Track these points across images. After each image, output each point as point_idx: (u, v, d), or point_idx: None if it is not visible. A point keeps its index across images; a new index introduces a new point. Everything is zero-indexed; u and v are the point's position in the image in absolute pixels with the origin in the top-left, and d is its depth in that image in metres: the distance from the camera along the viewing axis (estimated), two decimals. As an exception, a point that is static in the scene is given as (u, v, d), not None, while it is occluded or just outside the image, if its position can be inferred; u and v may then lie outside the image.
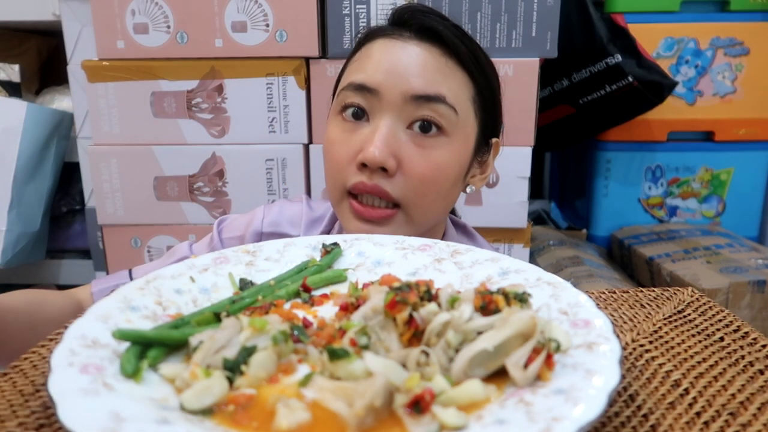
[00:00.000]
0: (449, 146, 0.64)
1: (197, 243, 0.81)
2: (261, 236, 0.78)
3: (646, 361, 0.40)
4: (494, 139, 0.72)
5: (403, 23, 0.67)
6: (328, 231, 0.79)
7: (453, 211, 0.88)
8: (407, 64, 0.63)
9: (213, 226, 0.82)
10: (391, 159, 0.62)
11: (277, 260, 0.52)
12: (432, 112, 0.62)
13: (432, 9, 0.69)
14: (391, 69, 0.63)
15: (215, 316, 0.42)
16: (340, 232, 0.76)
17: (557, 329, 0.36)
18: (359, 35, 0.71)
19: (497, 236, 1.13)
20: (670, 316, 0.47)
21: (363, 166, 0.62)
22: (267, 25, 1.06)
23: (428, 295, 0.37)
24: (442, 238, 0.76)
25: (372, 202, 0.64)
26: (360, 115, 0.65)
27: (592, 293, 0.52)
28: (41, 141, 1.26)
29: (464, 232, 0.82)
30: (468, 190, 0.72)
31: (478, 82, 0.67)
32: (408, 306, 0.36)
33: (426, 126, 0.63)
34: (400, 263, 0.51)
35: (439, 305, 0.37)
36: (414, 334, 0.36)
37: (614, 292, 0.53)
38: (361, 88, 0.64)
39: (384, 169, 0.62)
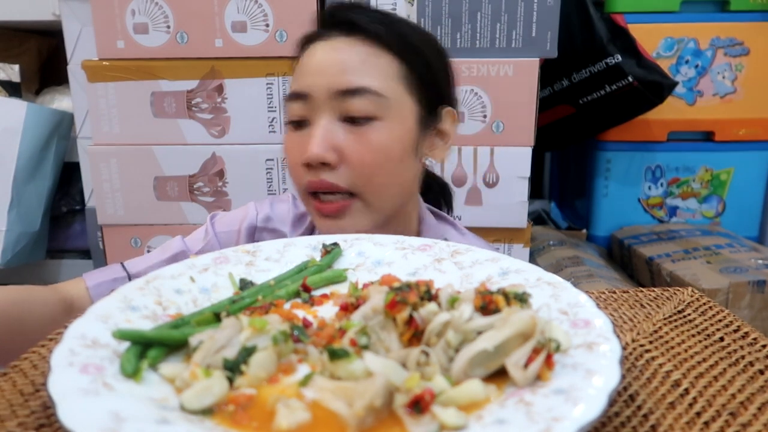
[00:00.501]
0: (384, 128, 0.67)
1: (190, 237, 0.81)
2: (255, 231, 0.80)
3: (646, 361, 0.40)
4: (446, 108, 0.73)
5: (329, 24, 0.71)
6: (311, 228, 0.80)
7: (440, 208, 0.88)
8: (330, 63, 0.67)
9: (206, 219, 0.82)
10: (329, 153, 0.65)
11: (277, 260, 0.52)
12: (358, 104, 0.66)
13: (356, 4, 0.74)
14: (316, 71, 0.67)
15: (215, 316, 0.42)
16: None
17: (557, 329, 0.36)
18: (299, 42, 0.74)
19: (497, 236, 1.13)
20: (670, 316, 0.47)
21: (309, 166, 0.66)
22: (267, 25, 1.06)
23: (428, 295, 0.37)
24: (420, 226, 0.77)
25: (330, 198, 0.67)
26: (302, 123, 0.69)
27: (592, 293, 0.52)
28: (41, 141, 1.26)
29: (445, 221, 0.83)
30: (428, 162, 0.74)
31: (407, 60, 0.69)
32: (408, 306, 0.36)
33: (355, 118, 0.66)
34: (400, 263, 0.51)
35: (439, 305, 0.37)
36: (414, 334, 0.36)
37: (614, 292, 0.53)
38: (295, 97, 0.68)
39: (327, 164, 0.65)
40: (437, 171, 1.10)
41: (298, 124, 0.69)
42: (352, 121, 0.66)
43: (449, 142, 0.75)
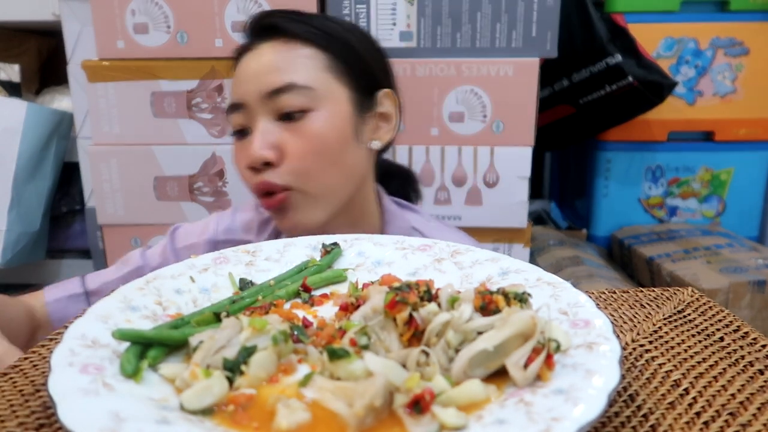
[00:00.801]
0: (319, 118, 0.69)
1: (151, 250, 0.82)
2: (216, 244, 0.80)
3: (646, 361, 0.40)
4: (382, 91, 0.75)
5: (253, 34, 0.73)
6: (276, 232, 0.81)
7: (410, 198, 0.89)
8: (255, 68, 0.69)
9: (167, 232, 0.84)
10: (269, 151, 0.67)
11: (277, 260, 0.52)
12: (288, 100, 0.68)
13: (276, 10, 0.76)
14: (245, 80, 0.70)
15: (215, 316, 0.42)
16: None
17: (557, 329, 0.36)
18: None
19: (497, 236, 1.13)
20: (670, 316, 0.47)
21: (254, 168, 0.68)
22: (267, 25, 1.06)
23: (428, 295, 0.38)
24: (384, 216, 0.78)
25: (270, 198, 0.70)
26: (244, 132, 0.71)
27: (592, 293, 0.52)
28: (41, 141, 1.26)
29: (409, 209, 0.83)
30: (374, 145, 0.75)
31: (331, 50, 0.71)
32: (408, 306, 0.36)
33: (289, 114, 0.68)
34: (400, 263, 0.51)
35: (439, 305, 0.37)
36: (414, 334, 0.36)
37: (614, 292, 0.53)
38: (233, 109, 0.71)
39: (269, 163, 0.68)
40: (436, 167, 1.10)
41: (241, 134, 0.71)
42: (287, 117, 0.68)
43: (393, 123, 0.76)
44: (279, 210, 0.70)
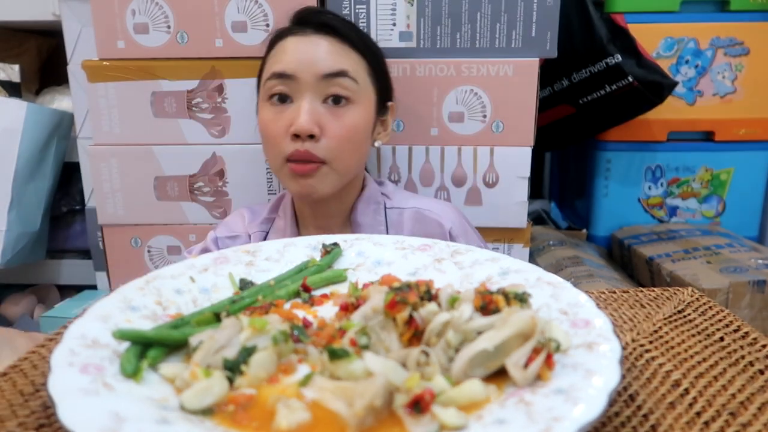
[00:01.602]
0: (356, 111, 0.82)
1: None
2: (217, 241, 0.92)
3: (646, 361, 0.40)
4: (390, 103, 0.91)
5: (304, 22, 0.84)
6: (270, 216, 0.94)
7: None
8: (314, 51, 0.80)
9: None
10: (315, 127, 0.78)
11: (277, 260, 0.52)
12: (339, 86, 0.80)
13: (325, 9, 0.88)
14: (302, 58, 0.80)
15: (215, 316, 0.42)
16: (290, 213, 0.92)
17: (557, 329, 0.36)
18: (270, 36, 0.88)
19: (497, 236, 1.13)
20: (670, 316, 0.47)
21: (296, 136, 0.79)
22: (267, 25, 1.06)
23: (428, 295, 0.38)
24: (361, 191, 0.91)
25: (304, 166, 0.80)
26: (284, 98, 0.81)
27: (592, 293, 0.52)
28: (41, 141, 1.26)
29: (384, 184, 0.97)
30: (376, 144, 0.90)
31: (368, 59, 0.85)
32: (408, 306, 0.36)
33: (337, 99, 0.80)
34: (400, 263, 0.51)
35: (439, 305, 0.37)
36: (414, 334, 0.36)
37: (614, 292, 0.53)
38: (282, 76, 0.80)
39: (311, 136, 0.79)
40: (436, 167, 1.11)
41: (281, 100, 0.81)
42: (333, 101, 0.80)
43: (388, 129, 0.92)
44: (305, 176, 0.80)
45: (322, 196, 0.83)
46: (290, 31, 0.84)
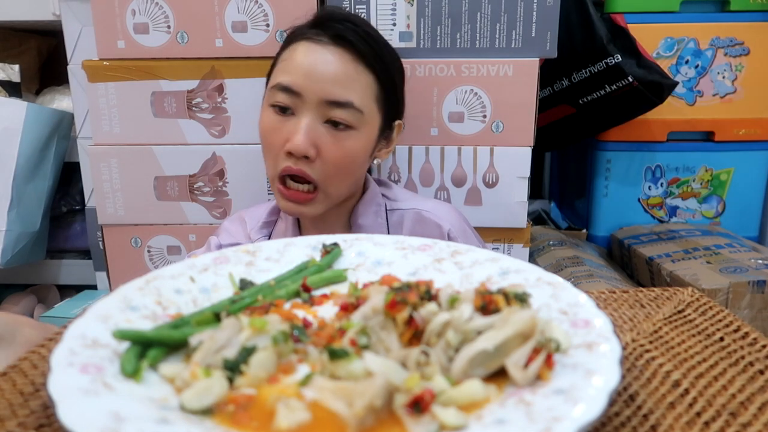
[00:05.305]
0: (357, 137, 0.80)
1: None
2: (221, 248, 0.88)
3: (646, 361, 0.40)
4: (397, 122, 0.89)
5: (322, 27, 0.81)
6: (270, 219, 0.93)
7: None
8: (323, 71, 0.78)
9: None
10: (311, 148, 0.77)
11: (277, 260, 0.52)
12: (342, 114, 0.78)
13: (347, 15, 0.85)
14: (310, 74, 0.78)
15: (215, 316, 0.42)
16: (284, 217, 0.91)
17: (557, 329, 0.36)
18: (286, 34, 0.87)
19: (497, 236, 1.13)
20: (670, 316, 0.47)
21: (290, 153, 0.78)
22: (267, 25, 1.06)
23: (428, 295, 0.37)
24: (363, 193, 0.91)
25: (296, 187, 0.80)
26: (286, 110, 0.79)
27: (592, 293, 0.52)
28: (41, 141, 1.26)
29: (385, 185, 0.96)
30: (375, 162, 0.89)
31: (381, 80, 0.82)
32: (408, 306, 0.36)
33: (336, 123, 0.78)
34: (400, 263, 0.51)
35: (439, 305, 0.37)
36: (414, 334, 0.36)
37: (614, 292, 0.53)
38: (286, 90, 0.78)
39: (306, 157, 0.77)
40: (436, 168, 1.10)
41: (283, 110, 0.79)
42: (332, 124, 0.78)
43: (392, 147, 0.91)
44: (298, 202, 0.79)
45: (309, 217, 0.84)
46: (306, 35, 0.81)
